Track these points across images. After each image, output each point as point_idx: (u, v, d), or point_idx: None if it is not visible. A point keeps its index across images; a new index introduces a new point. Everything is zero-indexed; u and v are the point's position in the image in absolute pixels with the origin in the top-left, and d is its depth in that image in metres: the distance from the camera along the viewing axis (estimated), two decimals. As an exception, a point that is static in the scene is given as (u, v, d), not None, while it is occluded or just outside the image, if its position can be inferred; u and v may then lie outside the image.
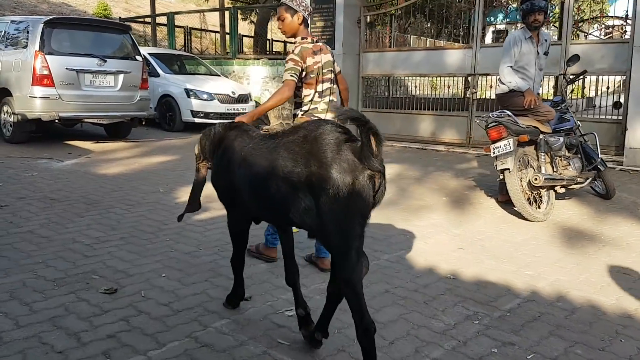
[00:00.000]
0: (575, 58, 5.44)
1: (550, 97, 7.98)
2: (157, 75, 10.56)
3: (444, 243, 4.11)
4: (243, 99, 10.80)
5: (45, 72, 7.47)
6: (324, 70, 3.42)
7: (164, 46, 15.84)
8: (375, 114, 9.82)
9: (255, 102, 11.29)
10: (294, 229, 3.95)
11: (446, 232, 4.39)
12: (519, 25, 21.63)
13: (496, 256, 3.83)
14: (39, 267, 3.38)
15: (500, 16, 19.22)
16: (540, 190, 4.81)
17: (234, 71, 13.13)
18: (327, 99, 3.46)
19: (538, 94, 5.31)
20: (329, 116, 3.34)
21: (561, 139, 5.03)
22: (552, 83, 9.92)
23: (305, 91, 3.40)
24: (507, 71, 4.97)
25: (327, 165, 2.00)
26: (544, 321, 2.87)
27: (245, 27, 19.32)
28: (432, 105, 9.61)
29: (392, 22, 11.12)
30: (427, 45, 12.56)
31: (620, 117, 7.50)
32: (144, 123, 9.89)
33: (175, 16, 14.99)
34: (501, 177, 4.77)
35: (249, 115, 3.16)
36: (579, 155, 5.20)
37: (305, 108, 3.42)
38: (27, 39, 7.68)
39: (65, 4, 21.27)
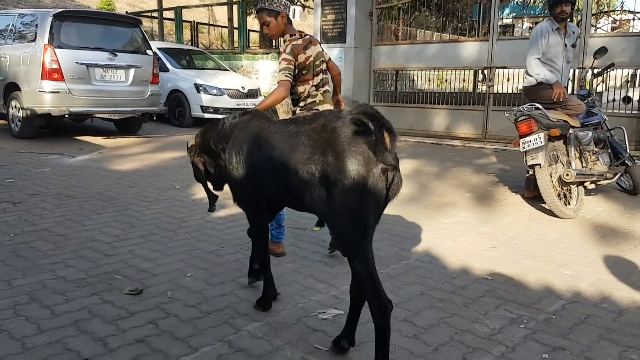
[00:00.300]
0: (603, 50, 5.27)
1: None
2: (167, 70, 10.42)
3: (475, 242, 3.96)
4: (253, 94, 10.65)
5: (55, 66, 7.34)
6: (316, 63, 3.41)
7: (170, 41, 15.69)
8: (387, 108, 9.67)
9: (265, 97, 11.13)
10: (315, 227, 3.87)
11: (475, 230, 4.24)
12: (525, 19, 21.48)
13: (531, 255, 3.68)
14: (58, 267, 3.24)
15: (507, 10, 18.99)
16: (570, 186, 4.65)
17: (242, 66, 12.98)
18: (322, 89, 3.47)
19: (565, 87, 5.15)
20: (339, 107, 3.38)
21: (590, 133, 4.87)
22: (570, 76, 9.73)
23: (301, 87, 3.40)
24: (534, 63, 4.81)
25: (343, 157, 2.05)
26: (592, 324, 2.72)
27: (250, 22, 19.11)
28: (445, 100, 9.44)
29: (398, 15, 10.93)
30: (442, 38, 12.37)
31: (636, 112, 7.34)
32: (154, 118, 9.76)
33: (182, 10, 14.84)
34: (530, 172, 4.60)
35: None
36: (607, 150, 5.06)
37: (302, 104, 3.43)
38: (36, 33, 7.54)
39: (69, -2, 21.14)
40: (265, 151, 2.42)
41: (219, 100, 10.14)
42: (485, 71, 8.72)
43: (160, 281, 3.09)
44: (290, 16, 3.46)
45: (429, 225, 4.32)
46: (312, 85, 3.40)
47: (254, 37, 18.13)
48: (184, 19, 15.21)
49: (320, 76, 3.45)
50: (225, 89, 10.25)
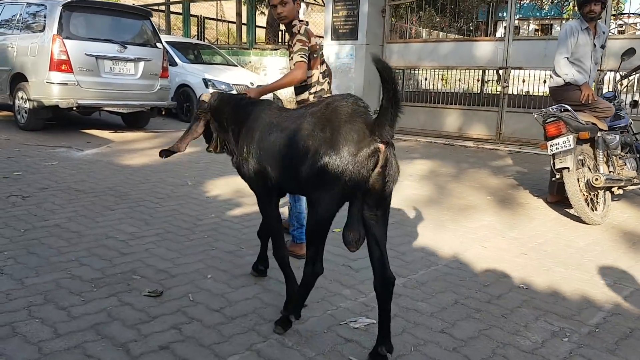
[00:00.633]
0: (631, 52, 5.11)
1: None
2: (175, 64, 10.25)
3: (504, 247, 3.81)
4: (262, 90, 10.48)
5: (64, 57, 7.18)
6: (321, 52, 3.38)
7: (175, 35, 15.52)
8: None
9: (273, 94, 10.98)
10: (337, 229, 3.71)
11: (502, 235, 4.09)
12: (530, 21, 21.21)
13: (564, 263, 3.53)
14: (73, 265, 3.10)
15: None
16: (598, 191, 4.51)
17: (250, 61, 12.81)
18: (327, 79, 3.41)
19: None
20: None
21: (617, 136, 4.73)
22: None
23: (309, 72, 3.30)
24: (563, 62, 4.65)
25: (338, 132, 2.11)
26: (638, 338, 2.58)
27: (256, 18, 18.93)
28: (458, 100, 9.29)
29: (406, 14, 10.78)
30: (455, 37, 12.21)
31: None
32: (163, 113, 9.60)
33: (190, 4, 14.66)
34: (558, 176, 4.45)
35: (258, 90, 3.09)
36: (635, 155, 4.91)
37: (313, 90, 3.35)
38: (45, 23, 7.38)
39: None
40: (274, 136, 2.45)
41: (228, 96, 9.96)
42: (501, 71, 8.57)
43: (180, 282, 2.94)
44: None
45: (454, 229, 4.18)
46: (320, 72, 3.35)
47: (260, 33, 17.96)
48: (192, 13, 15.03)
49: (325, 66, 3.41)
50: (234, 84, 10.08)
